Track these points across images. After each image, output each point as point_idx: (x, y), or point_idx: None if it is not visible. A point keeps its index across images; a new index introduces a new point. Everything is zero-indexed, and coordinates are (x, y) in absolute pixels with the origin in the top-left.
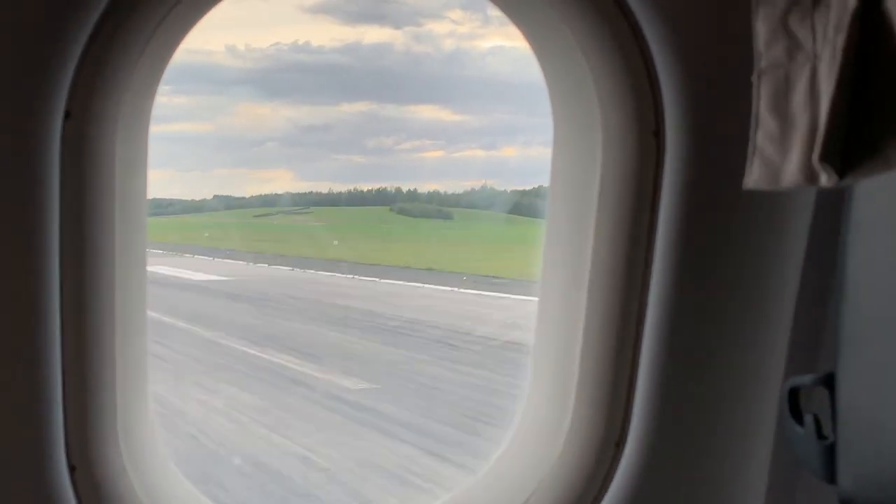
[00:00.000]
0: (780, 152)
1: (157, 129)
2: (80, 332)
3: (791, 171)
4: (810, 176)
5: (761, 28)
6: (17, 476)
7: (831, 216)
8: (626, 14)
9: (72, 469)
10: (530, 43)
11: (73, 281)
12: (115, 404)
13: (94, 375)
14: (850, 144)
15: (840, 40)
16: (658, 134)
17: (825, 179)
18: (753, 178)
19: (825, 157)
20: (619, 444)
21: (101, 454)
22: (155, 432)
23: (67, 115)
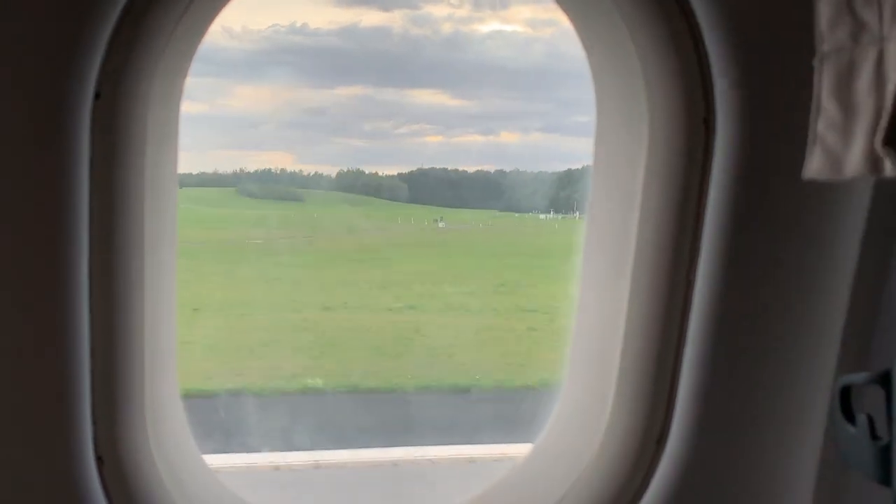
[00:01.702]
0: (843, 140)
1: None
2: (109, 320)
3: (854, 160)
4: (874, 165)
5: (824, 9)
6: (44, 468)
7: (888, 208)
8: None
9: (99, 461)
10: (575, 25)
11: (103, 266)
12: (144, 396)
13: (122, 366)
14: None
15: None
16: (708, 121)
17: (890, 167)
18: (814, 167)
19: (889, 142)
20: (661, 441)
21: (129, 446)
22: (184, 423)
23: (98, 95)
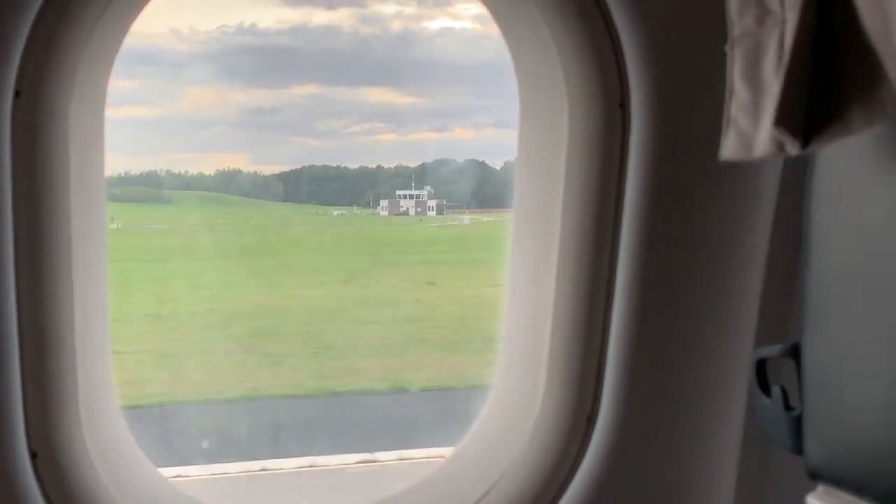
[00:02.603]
0: (753, 122)
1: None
2: (37, 317)
3: (762, 141)
4: (779, 144)
5: None
6: None
7: (797, 189)
8: None
9: (33, 455)
10: (496, 18)
11: (29, 264)
12: (77, 390)
13: (52, 361)
14: (812, 111)
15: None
16: (624, 106)
17: (790, 147)
18: (729, 148)
19: (781, 121)
20: (591, 419)
21: (64, 440)
22: (120, 418)
23: (17, 93)
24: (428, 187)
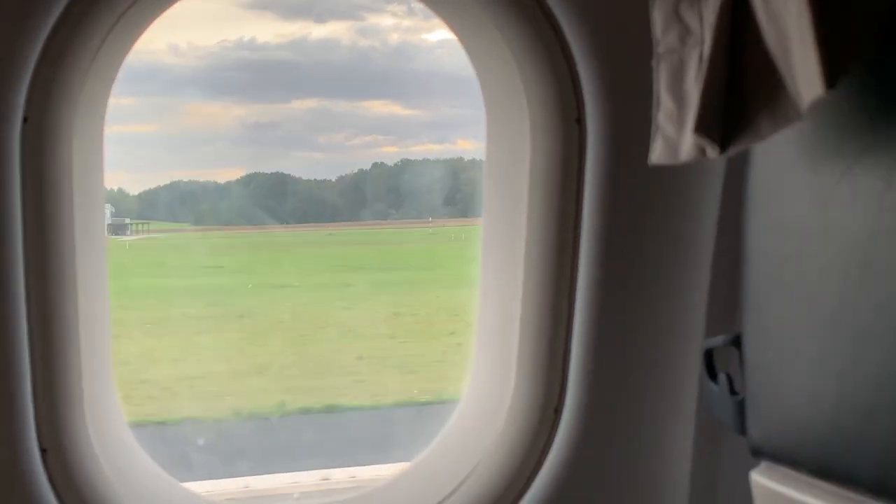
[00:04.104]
0: (678, 129)
1: (106, 132)
2: (45, 324)
3: (686, 146)
4: (701, 150)
5: (658, 17)
6: None
7: (738, 191)
8: (546, 11)
9: (43, 451)
10: (459, 37)
11: (37, 276)
12: (83, 391)
13: (60, 364)
14: (727, 119)
15: (715, 23)
16: (580, 121)
17: (710, 151)
18: (657, 154)
19: (700, 129)
20: (558, 409)
21: (71, 437)
22: (121, 415)
23: (25, 119)
24: None
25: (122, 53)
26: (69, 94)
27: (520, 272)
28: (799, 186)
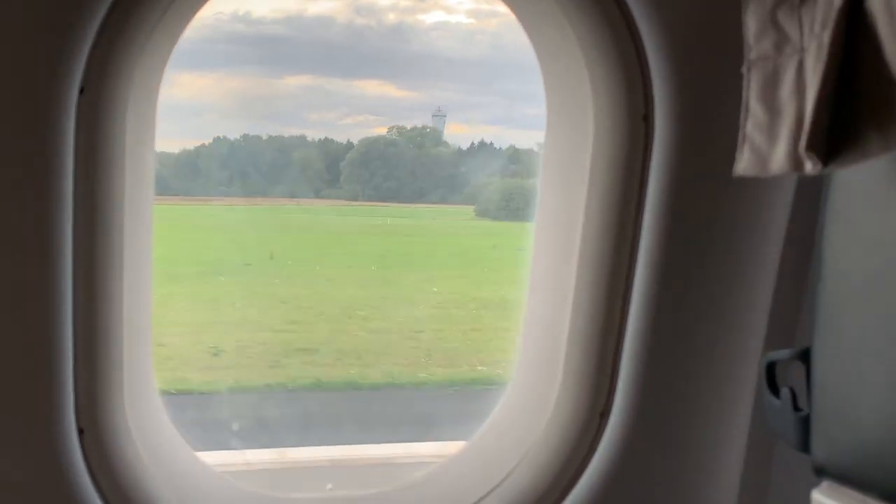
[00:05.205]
0: (768, 141)
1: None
2: (91, 305)
3: (778, 159)
4: (796, 163)
5: (751, 22)
6: (27, 437)
7: (810, 203)
8: (620, 3)
9: (80, 431)
10: (525, 28)
11: (86, 256)
12: (122, 374)
13: (102, 346)
14: (833, 135)
15: (826, 36)
16: (648, 119)
17: (810, 167)
18: (743, 164)
19: (811, 147)
20: (604, 414)
21: (108, 417)
22: (157, 396)
23: (82, 90)
24: None
25: (179, 29)
26: (126, 67)
27: (573, 271)
28: (888, 203)
